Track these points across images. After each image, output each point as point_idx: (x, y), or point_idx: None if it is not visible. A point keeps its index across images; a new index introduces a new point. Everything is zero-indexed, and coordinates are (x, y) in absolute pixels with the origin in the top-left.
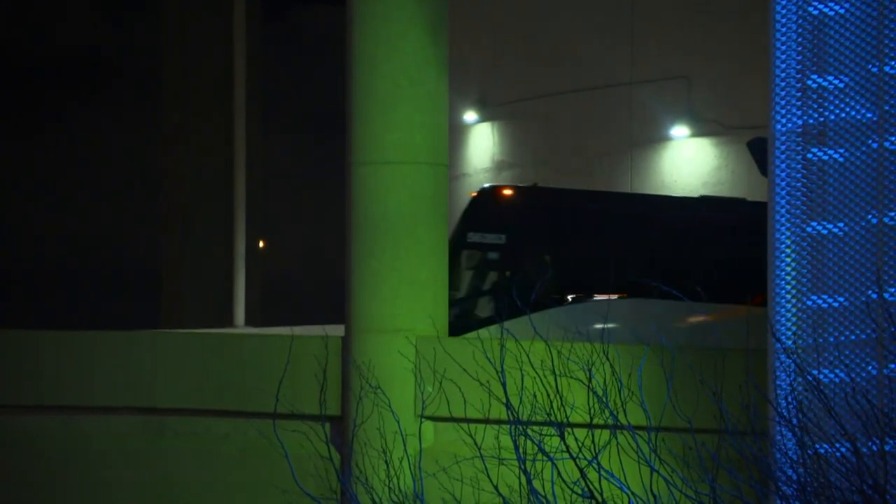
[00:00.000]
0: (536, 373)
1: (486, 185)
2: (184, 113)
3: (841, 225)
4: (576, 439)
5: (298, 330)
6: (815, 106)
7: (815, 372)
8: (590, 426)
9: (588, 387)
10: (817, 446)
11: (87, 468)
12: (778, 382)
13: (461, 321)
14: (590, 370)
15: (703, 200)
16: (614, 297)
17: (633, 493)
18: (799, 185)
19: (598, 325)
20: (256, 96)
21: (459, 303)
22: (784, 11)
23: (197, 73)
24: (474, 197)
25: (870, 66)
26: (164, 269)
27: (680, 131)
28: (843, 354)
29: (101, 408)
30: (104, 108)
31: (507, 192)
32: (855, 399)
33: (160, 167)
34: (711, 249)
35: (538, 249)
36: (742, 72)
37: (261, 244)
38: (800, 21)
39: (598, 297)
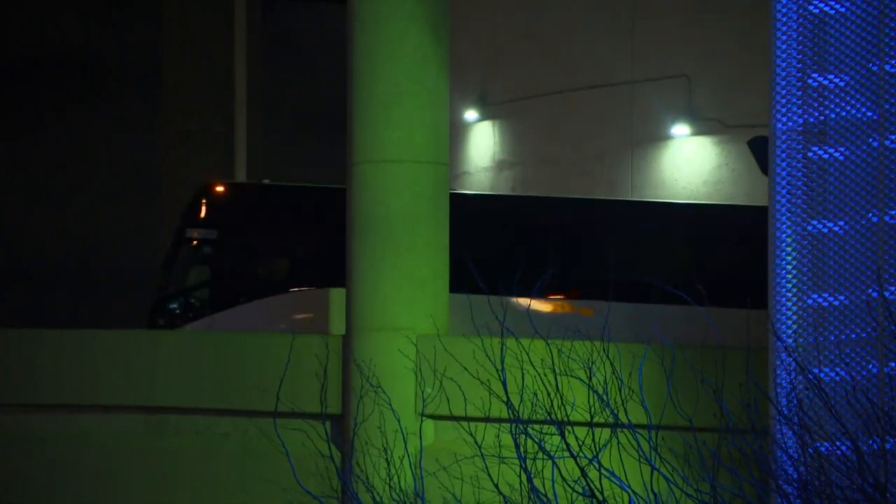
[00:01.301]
0: (537, 371)
1: (213, 181)
2: (184, 113)
3: (842, 223)
4: (576, 438)
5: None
6: (816, 104)
7: (815, 370)
8: (590, 425)
9: (588, 385)
10: (818, 445)
11: (87, 466)
12: (779, 381)
13: (175, 315)
14: (590, 369)
15: None
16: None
17: (633, 492)
18: (800, 183)
19: (300, 316)
20: (256, 96)
21: (175, 297)
22: (785, 10)
23: (197, 74)
24: (193, 192)
25: (870, 65)
26: None
27: (680, 130)
28: (843, 353)
29: (102, 406)
30: (104, 108)
31: (221, 188)
32: (855, 397)
33: (160, 167)
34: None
35: (248, 245)
36: (743, 70)
37: None
38: (800, 20)
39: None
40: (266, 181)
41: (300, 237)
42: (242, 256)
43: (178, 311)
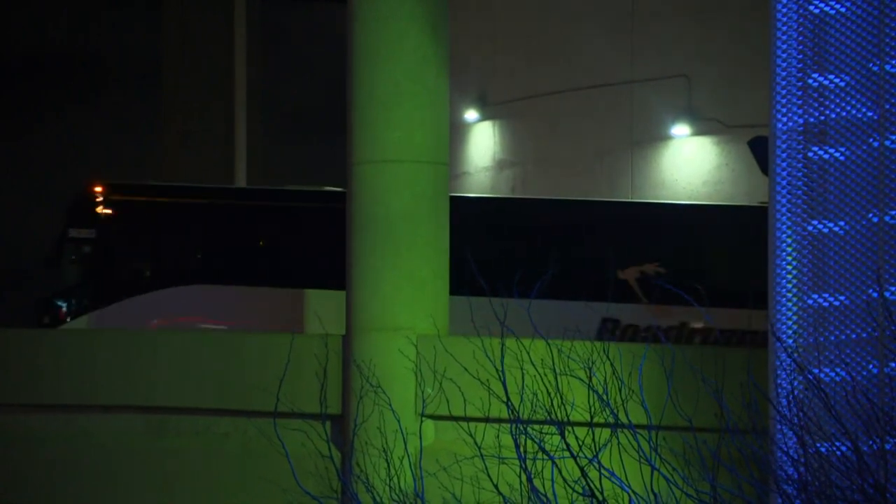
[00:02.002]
0: (537, 371)
1: (93, 181)
2: (184, 113)
3: (842, 223)
4: (576, 438)
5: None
6: (816, 105)
7: (815, 371)
8: (590, 425)
9: (588, 385)
10: (818, 445)
11: (87, 467)
12: (779, 381)
13: (57, 313)
14: (590, 369)
15: (288, 192)
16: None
17: (633, 492)
18: (800, 183)
19: (178, 312)
20: (256, 96)
21: (57, 296)
22: (785, 10)
23: (197, 74)
24: (75, 193)
25: (870, 65)
26: None
27: (680, 130)
28: (843, 353)
29: (102, 406)
30: (104, 108)
31: (100, 188)
32: (855, 398)
33: (160, 167)
34: (285, 239)
35: (124, 243)
36: (743, 70)
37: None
38: (801, 20)
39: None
40: (152, 182)
41: (177, 236)
42: (119, 255)
43: (59, 309)
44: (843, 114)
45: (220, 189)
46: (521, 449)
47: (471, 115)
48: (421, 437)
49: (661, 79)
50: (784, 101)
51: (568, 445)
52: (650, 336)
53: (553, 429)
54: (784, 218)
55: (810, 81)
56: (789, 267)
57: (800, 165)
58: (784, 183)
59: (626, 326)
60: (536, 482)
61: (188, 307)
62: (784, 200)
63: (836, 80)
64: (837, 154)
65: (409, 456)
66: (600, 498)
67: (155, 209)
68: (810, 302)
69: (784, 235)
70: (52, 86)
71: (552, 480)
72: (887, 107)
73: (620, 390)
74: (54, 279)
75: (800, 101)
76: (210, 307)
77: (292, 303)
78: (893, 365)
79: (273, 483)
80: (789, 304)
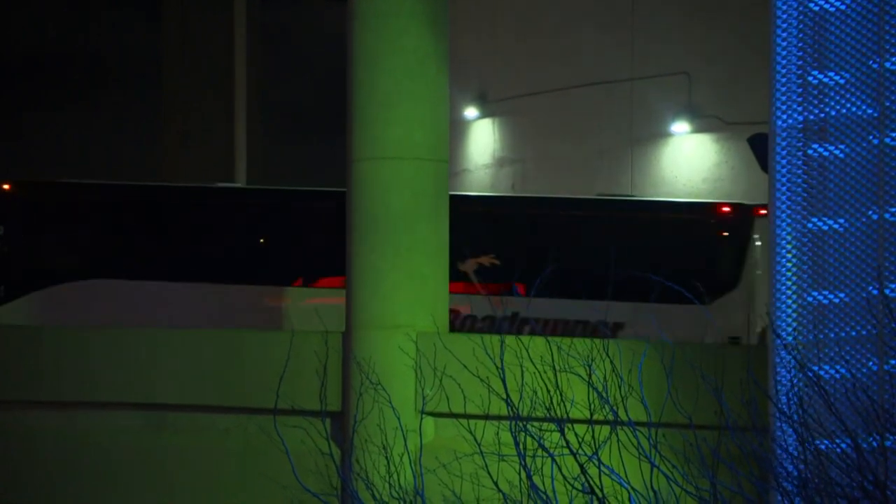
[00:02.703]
0: (536, 368)
1: (4, 180)
2: (184, 113)
3: (842, 221)
4: (576, 435)
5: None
6: (816, 102)
7: (815, 368)
8: (590, 422)
9: (588, 382)
10: (818, 442)
11: (86, 464)
12: (778, 378)
13: None
14: (590, 366)
15: (189, 189)
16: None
17: (633, 489)
18: (800, 181)
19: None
20: (256, 96)
21: None
22: (785, 7)
23: (197, 74)
24: None
25: (870, 63)
26: None
27: (680, 127)
28: (843, 350)
29: (101, 403)
30: (104, 108)
31: (8, 186)
32: (855, 395)
33: (160, 167)
34: (189, 234)
35: (30, 240)
36: (743, 68)
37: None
38: (801, 17)
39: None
40: (58, 179)
41: (82, 232)
42: (25, 251)
43: None
44: (843, 111)
45: (125, 186)
46: (521, 446)
47: (470, 112)
48: (421, 435)
49: (661, 76)
50: (784, 98)
51: (567, 442)
52: (485, 326)
53: (553, 426)
54: (784, 215)
55: (810, 79)
56: (789, 264)
57: (799, 163)
58: (784, 180)
59: (465, 317)
60: (536, 479)
61: (93, 302)
62: (784, 198)
63: (836, 78)
64: (837, 151)
65: (408, 453)
66: (600, 495)
67: (60, 206)
68: (810, 299)
69: (784, 233)
70: (52, 85)
71: (552, 477)
72: (887, 104)
73: (620, 387)
74: None
75: (800, 99)
76: (115, 301)
77: (199, 297)
78: (893, 362)
79: (273, 480)
80: (789, 301)
